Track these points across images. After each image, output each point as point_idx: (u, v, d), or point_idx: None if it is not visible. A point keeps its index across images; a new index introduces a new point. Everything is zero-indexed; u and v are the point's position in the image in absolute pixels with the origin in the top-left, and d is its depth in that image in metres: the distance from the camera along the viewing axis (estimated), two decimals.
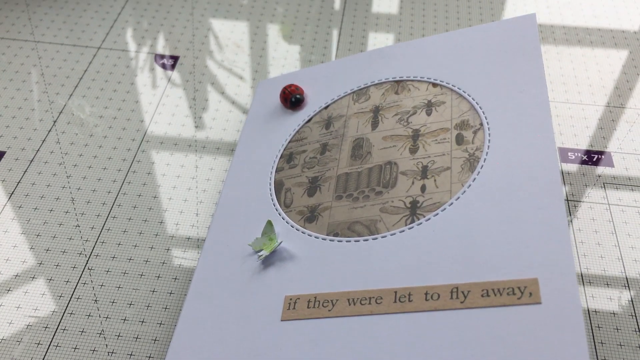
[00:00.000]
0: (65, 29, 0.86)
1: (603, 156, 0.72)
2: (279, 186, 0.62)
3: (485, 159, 0.55)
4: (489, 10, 0.93)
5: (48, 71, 0.80)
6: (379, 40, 0.87)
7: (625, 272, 0.61)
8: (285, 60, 0.84)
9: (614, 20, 0.91)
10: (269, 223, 0.57)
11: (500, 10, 0.93)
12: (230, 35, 0.87)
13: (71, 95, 0.77)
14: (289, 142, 0.67)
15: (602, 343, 0.56)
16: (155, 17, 0.88)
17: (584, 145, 0.73)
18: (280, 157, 0.65)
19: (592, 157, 0.72)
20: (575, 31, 0.89)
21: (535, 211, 0.50)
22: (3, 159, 0.69)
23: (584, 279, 0.60)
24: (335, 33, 0.88)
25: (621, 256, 0.62)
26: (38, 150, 0.70)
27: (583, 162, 0.71)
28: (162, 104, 0.77)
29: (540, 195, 0.50)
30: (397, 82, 0.67)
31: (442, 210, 0.53)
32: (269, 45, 0.86)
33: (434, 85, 0.65)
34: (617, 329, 0.57)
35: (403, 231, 0.53)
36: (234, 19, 0.90)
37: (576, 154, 0.72)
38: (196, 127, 0.74)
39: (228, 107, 0.77)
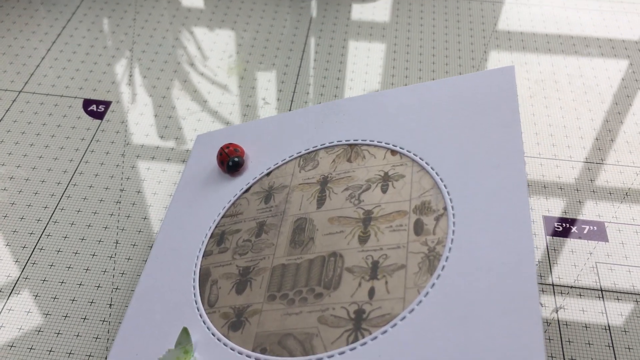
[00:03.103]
0: None
1: (595, 227, 0.61)
2: (204, 277, 0.52)
3: (447, 258, 0.45)
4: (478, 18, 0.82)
5: None
6: (360, 48, 0.76)
7: None
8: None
9: (609, 72, 0.81)
10: (185, 331, 0.47)
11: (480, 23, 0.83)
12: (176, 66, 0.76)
13: None
14: (222, 217, 0.56)
15: None
16: (85, 61, 0.78)
17: (574, 214, 0.62)
18: (211, 237, 0.55)
19: (583, 229, 0.61)
20: (566, 71, 0.79)
21: (507, 337, 0.39)
22: None
23: None
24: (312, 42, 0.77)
25: (616, 359, 0.52)
26: None
27: (572, 236, 0.61)
28: (84, 161, 0.66)
29: (515, 314, 0.40)
30: (351, 146, 0.57)
31: (392, 327, 0.42)
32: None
33: (393, 153, 0.54)
34: None
35: (343, 353, 0.43)
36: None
37: (564, 224, 0.62)
38: (122, 189, 0.64)
39: (160, 168, 0.67)
